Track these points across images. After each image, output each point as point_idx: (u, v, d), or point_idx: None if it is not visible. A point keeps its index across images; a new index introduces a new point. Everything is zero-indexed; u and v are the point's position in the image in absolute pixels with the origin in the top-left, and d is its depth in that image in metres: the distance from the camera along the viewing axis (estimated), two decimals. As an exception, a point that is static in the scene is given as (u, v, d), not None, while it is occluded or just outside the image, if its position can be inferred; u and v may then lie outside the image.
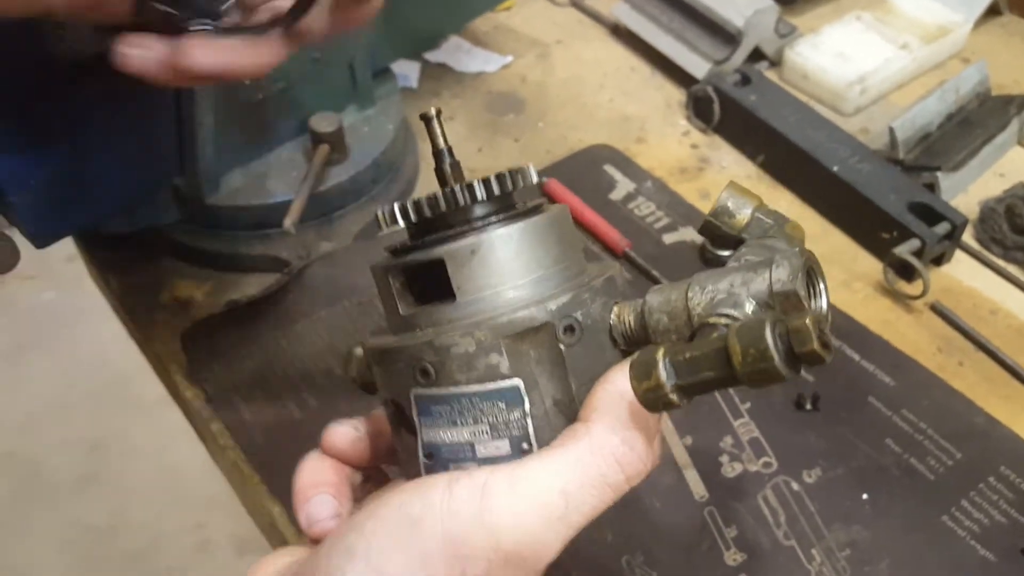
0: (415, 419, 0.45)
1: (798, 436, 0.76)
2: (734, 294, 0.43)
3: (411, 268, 0.46)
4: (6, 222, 0.72)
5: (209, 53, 0.51)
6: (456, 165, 0.49)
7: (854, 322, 0.84)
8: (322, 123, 0.86)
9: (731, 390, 0.78)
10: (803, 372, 0.80)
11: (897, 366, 0.81)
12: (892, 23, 1.14)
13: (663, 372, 0.40)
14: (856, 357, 0.81)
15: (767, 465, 0.74)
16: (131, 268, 0.90)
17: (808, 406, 0.77)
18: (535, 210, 0.47)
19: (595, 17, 1.24)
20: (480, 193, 0.45)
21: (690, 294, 0.44)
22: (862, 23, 1.14)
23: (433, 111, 0.48)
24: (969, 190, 0.99)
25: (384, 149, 0.91)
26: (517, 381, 0.43)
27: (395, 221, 0.46)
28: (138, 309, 0.88)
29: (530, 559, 0.39)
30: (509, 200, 0.48)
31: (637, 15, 1.16)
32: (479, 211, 0.46)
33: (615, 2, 1.19)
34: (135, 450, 2.25)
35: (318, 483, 0.49)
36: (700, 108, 1.06)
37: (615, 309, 0.46)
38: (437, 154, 0.49)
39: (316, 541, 0.47)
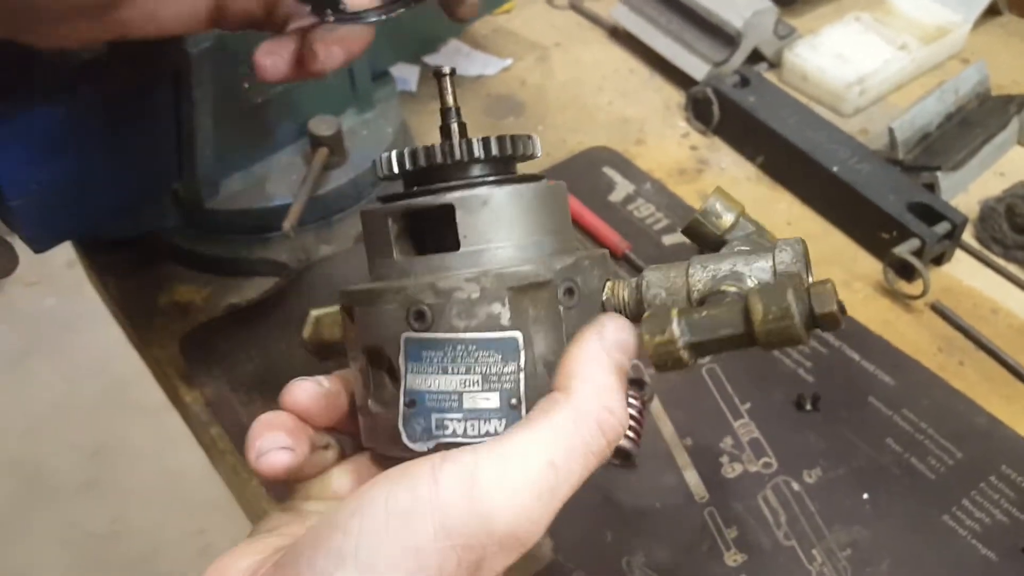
0: (401, 364, 0.44)
1: (798, 436, 0.76)
2: (737, 272, 0.44)
3: (415, 212, 0.46)
4: (5, 227, 0.72)
5: (333, 50, 0.57)
6: (464, 125, 0.48)
7: (854, 322, 0.84)
8: (321, 126, 0.86)
9: (731, 389, 0.78)
10: (803, 373, 0.80)
11: (897, 366, 0.81)
12: (891, 24, 1.14)
13: (677, 328, 0.42)
14: (856, 357, 0.81)
15: (767, 465, 0.74)
16: (130, 272, 0.90)
17: (808, 406, 0.77)
18: (538, 178, 0.48)
19: (594, 19, 1.24)
20: (495, 149, 0.46)
21: (691, 271, 0.45)
22: (861, 24, 1.14)
23: (447, 68, 0.48)
24: (969, 189, 0.99)
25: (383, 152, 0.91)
26: (517, 334, 0.43)
27: (403, 164, 0.46)
28: (137, 313, 0.88)
29: (524, 537, 0.38)
30: (513, 165, 0.48)
31: (636, 17, 1.16)
32: (488, 167, 0.47)
33: (614, 4, 1.19)
34: (136, 455, 2.25)
35: (274, 425, 0.47)
36: (699, 110, 1.06)
37: (608, 284, 0.47)
38: (445, 112, 0.48)
39: (265, 475, 0.46)
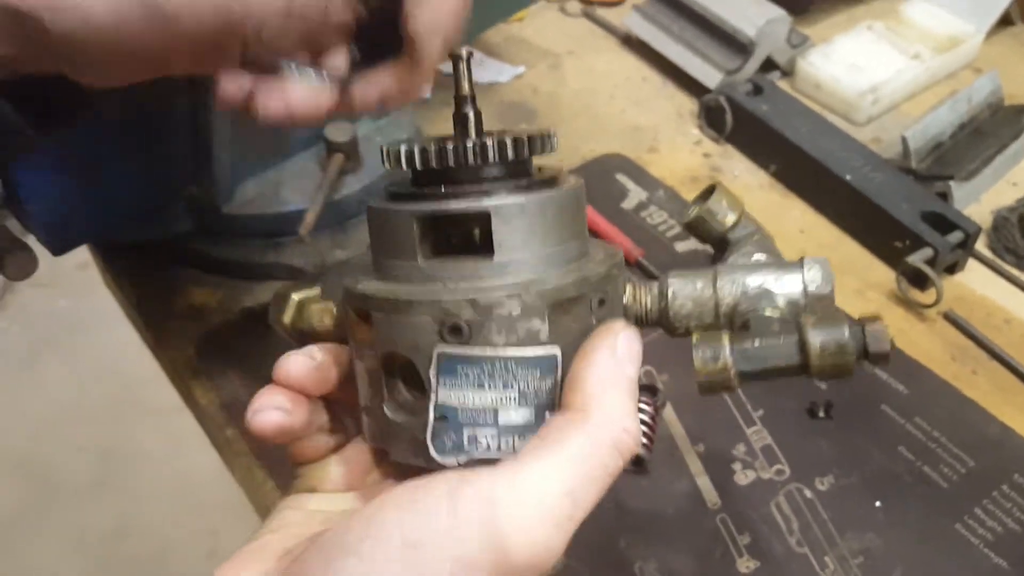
0: (432, 378, 0.42)
1: (811, 444, 0.76)
2: (768, 291, 0.45)
3: (446, 217, 0.43)
4: (23, 229, 0.73)
5: (271, 102, 0.56)
6: (480, 115, 0.46)
7: (867, 331, 0.84)
8: (336, 133, 0.86)
9: (743, 396, 0.79)
10: (815, 380, 0.80)
11: (910, 374, 0.81)
12: (904, 33, 1.15)
13: (731, 356, 0.42)
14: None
15: (780, 473, 0.74)
16: (146, 276, 0.91)
17: (821, 414, 0.77)
18: (558, 180, 0.46)
19: (607, 28, 1.24)
20: (525, 151, 0.44)
21: (719, 284, 0.45)
22: (874, 33, 1.14)
23: (465, 51, 0.46)
24: (982, 199, 0.99)
25: (398, 158, 0.92)
26: (556, 350, 0.42)
27: (427, 161, 0.43)
28: (153, 316, 0.88)
29: (542, 566, 0.38)
30: (530, 164, 0.47)
31: (649, 25, 1.16)
32: (516, 168, 0.45)
33: (627, 12, 1.19)
34: (147, 456, 2.26)
35: (273, 391, 0.47)
36: (712, 118, 1.06)
37: (629, 289, 0.47)
38: (460, 99, 0.46)
39: (257, 432, 0.46)
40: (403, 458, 0.45)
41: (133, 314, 0.92)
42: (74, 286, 2.43)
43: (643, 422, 0.74)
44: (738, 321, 0.45)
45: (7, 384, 2.45)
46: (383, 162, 0.46)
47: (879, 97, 1.07)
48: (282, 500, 0.49)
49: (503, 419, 0.42)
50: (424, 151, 0.44)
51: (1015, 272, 0.91)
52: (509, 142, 0.43)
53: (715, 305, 0.45)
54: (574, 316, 0.43)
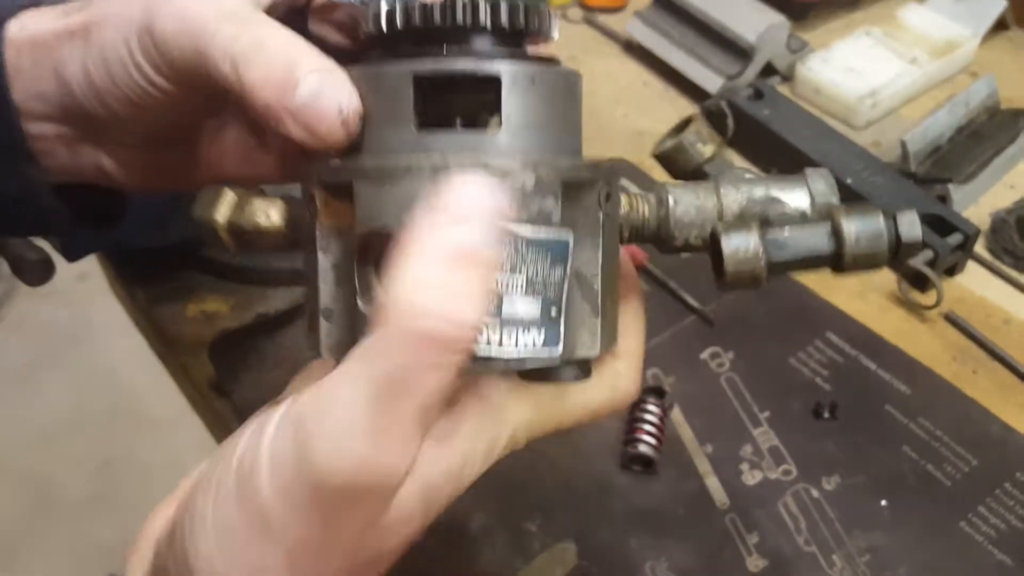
0: None
1: (816, 444, 0.77)
2: (773, 197, 0.43)
3: (447, 80, 0.38)
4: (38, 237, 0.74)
5: None
6: None
7: (870, 332, 0.85)
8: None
9: (749, 398, 0.80)
10: (820, 381, 0.81)
11: (913, 375, 0.82)
12: (901, 38, 1.16)
13: (761, 245, 0.40)
14: (872, 366, 0.82)
15: (787, 473, 0.75)
16: (157, 282, 0.92)
17: (826, 415, 0.79)
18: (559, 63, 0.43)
19: (608, 34, 1.25)
20: (536, 20, 0.40)
21: (723, 191, 0.43)
22: (871, 38, 1.16)
23: None
24: (980, 201, 1.00)
25: (405, 164, 0.92)
26: (569, 234, 0.38)
27: (429, 19, 0.38)
28: (164, 323, 0.89)
29: (371, 484, 0.34)
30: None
31: (650, 31, 1.17)
32: (519, 45, 0.41)
33: (628, 19, 1.20)
34: (146, 468, 2.26)
35: None
36: (714, 122, 1.07)
37: (625, 198, 0.44)
38: None
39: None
40: None
41: (143, 321, 0.93)
42: (73, 297, 2.44)
43: (652, 423, 0.76)
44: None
45: (6, 395, 2.45)
46: (367, 26, 0.40)
47: (878, 101, 1.09)
48: None
49: (507, 309, 0.36)
50: (425, 7, 0.38)
51: (1013, 273, 0.92)
52: (521, 5, 0.39)
53: (719, 213, 0.43)
54: (583, 208, 0.39)
